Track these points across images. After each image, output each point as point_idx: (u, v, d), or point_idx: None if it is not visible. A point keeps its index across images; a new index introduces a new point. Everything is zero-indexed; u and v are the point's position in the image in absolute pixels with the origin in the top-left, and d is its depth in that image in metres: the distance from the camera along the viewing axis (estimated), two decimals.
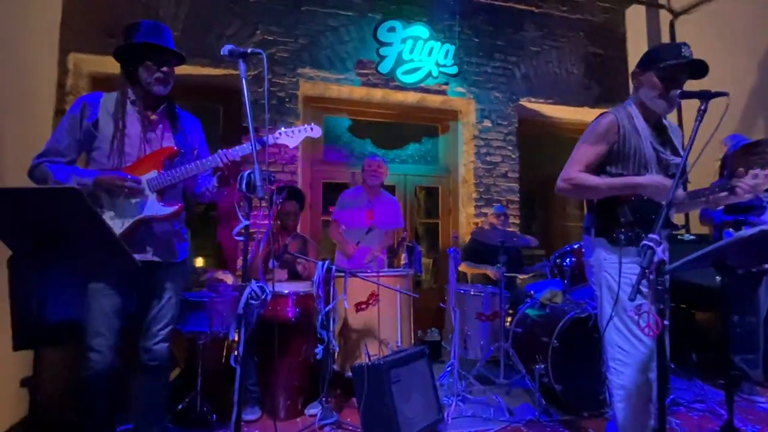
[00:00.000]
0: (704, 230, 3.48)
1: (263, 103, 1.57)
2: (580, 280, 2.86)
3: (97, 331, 1.65)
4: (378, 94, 4.27)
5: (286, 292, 2.53)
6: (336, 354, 2.68)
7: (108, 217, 1.67)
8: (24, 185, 1.65)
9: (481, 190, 4.39)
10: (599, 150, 1.71)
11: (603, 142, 1.70)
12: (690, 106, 2.19)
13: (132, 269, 1.62)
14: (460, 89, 4.37)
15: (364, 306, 2.75)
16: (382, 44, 4.03)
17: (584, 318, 2.60)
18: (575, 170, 1.71)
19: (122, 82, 1.78)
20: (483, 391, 2.83)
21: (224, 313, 2.42)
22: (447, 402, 2.62)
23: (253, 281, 1.45)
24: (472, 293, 3.21)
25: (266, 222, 3.28)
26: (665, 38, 4.49)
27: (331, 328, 2.44)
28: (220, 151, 1.75)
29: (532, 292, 3.30)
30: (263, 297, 1.45)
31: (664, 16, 4.53)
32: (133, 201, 1.71)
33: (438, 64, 4.17)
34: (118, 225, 1.68)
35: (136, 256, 1.66)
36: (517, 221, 4.44)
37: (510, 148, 4.50)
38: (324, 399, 2.43)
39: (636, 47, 4.79)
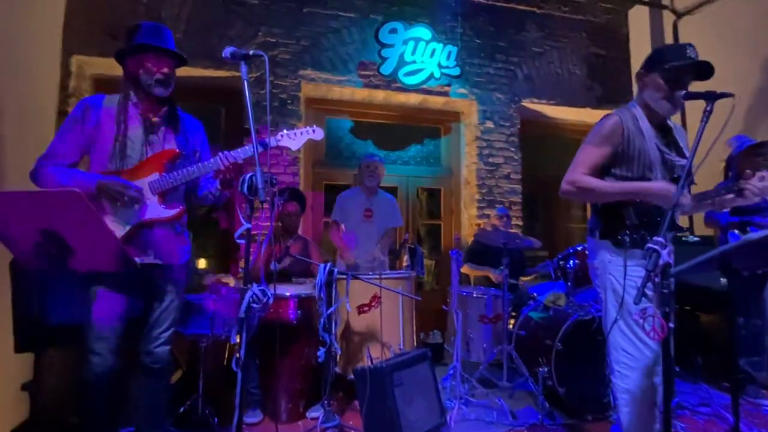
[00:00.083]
0: (708, 232, 3.46)
1: (265, 104, 1.56)
2: (584, 283, 2.84)
3: (98, 335, 1.65)
4: (380, 95, 4.27)
5: (288, 294, 2.52)
6: (338, 357, 2.67)
7: (109, 220, 1.67)
8: (26, 188, 1.65)
9: (483, 191, 4.38)
10: (604, 152, 1.69)
11: (607, 144, 1.69)
12: (693, 108, 2.18)
13: (133, 272, 1.62)
14: (462, 90, 4.36)
15: (366, 308, 2.74)
16: (383, 46, 4.02)
17: (588, 321, 2.58)
18: (580, 173, 1.70)
19: (124, 85, 1.78)
20: (486, 395, 2.81)
21: (226, 315, 2.42)
22: (450, 405, 2.60)
23: (254, 284, 1.44)
24: (474, 295, 3.19)
25: (268, 224, 3.28)
26: (668, 39, 4.47)
27: (333, 331, 2.43)
28: (221, 153, 1.75)
29: (535, 294, 3.28)
30: (265, 300, 1.44)
31: (668, 17, 4.51)
32: (135, 204, 1.71)
33: (440, 66, 4.16)
34: (119, 228, 1.68)
35: (138, 259, 1.66)
36: (520, 223, 4.43)
37: (512, 149, 4.49)
38: (326, 402, 2.41)
39: (639, 48, 4.77)
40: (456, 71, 4.22)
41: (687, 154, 1.71)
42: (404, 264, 3.38)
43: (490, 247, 3.32)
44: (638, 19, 4.82)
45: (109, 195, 1.66)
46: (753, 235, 1.24)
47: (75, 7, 3.40)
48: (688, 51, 1.61)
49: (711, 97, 1.39)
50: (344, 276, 2.54)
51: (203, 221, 4.04)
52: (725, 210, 2.86)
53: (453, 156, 4.69)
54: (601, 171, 1.73)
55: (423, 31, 4.12)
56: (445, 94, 4.31)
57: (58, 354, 2.16)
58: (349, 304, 2.55)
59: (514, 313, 3.25)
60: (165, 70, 1.75)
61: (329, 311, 2.37)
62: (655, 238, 1.23)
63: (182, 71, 1.88)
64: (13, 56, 2.44)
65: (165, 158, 1.77)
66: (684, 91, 1.59)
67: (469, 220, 4.47)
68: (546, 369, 2.54)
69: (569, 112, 4.81)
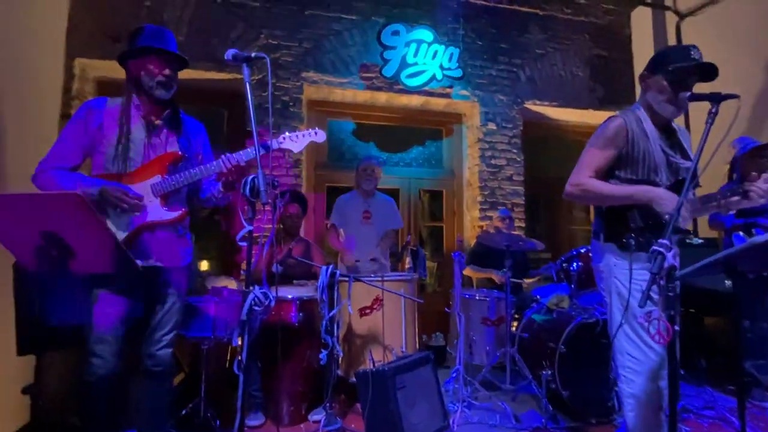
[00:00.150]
0: (713, 234, 3.44)
1: (267, 107, 1.55)
2: (587, 285, 2.83)
3: (100, 337, 1.64)
4: (382, 97, 4.26)
5: (290, 297, 2.51)
6: (340, 359, 2.67)
7: (111, 222, 1.67)
8: (28, 190, 1.65)
9: (485, 193, 4.37)
10: (608, 154, 1.68)
11: (612, 146, 1.68)
12: (696, 110, 2.16)
13: (135, 275, 1.62)
14: (465, 92, 4.35)
15: (368, 311, 2.73)
16: (386, 48, 4.03)
17: (592, 323, 2.57)
18: (585, 176, 1.69)
19: (126, 87, 1.78)
20: (489, 397, 2.80)
21: (228, 318, 2.41)
22: (452, 408, 2.58)
23: (256, 287, 1.43)
24: (477, 298, 3.18)
25: (269, 226, 3.28)
26: (671, 40, 4.46)
27: (335, 333, 2.42)
28: (223, 155, 1.75)
29: (538, 296, 3.26)
30: (266, 303, 1.43)
31: (670, 18, 4.50)
32: (135, 211, 1.71)
33: (442, 67, 4.16)
34: (121, 230, 1.68)
35: (140, 262, 1.65)
36: (523, 224, 4.41)
37: (515, 151, 4.48)
38: (328, 405, 2.41)
39: (642, 49, 4.76)
40: (458, 73, 4.21)
41: (691, 157, 1.70)
42: (406, 266, 3.37)
43: (492, 249, 3.30)
44: (641, 20, 4.81)
45: (111, 201, 1.65)
46: (758, 238, 1.23)
47: (78, 11, 3.42)
48: (692, 52, 1.60)
49: (716, 98, 1.38)
50: (346, 278, 2.53)
51: (205, 223, 4.05)
52: (730, 212, 2.84)
53: (455, 158, 4.68)
54: (606, 173, 1.72)
55: (425, 33, 4.12)
56: (447, 95, 4.30)
57: (60, 356, 2.15)
58: (351, 306, 2.55)
59: (517, 316, 3.23)
60: (167, 72, 1.75)
61: (331, 314, 2.36)
62: (660, 240, 1.22)
63: (184, 74, 1.88)
64: (16, 59, 2.45)
65: (167, 161, 1.77)
66: (689, 93, 1.58)
67: (471, 222, 4.46)
68: (549, 372, 2.53)
69: (572, 114, 4.80)
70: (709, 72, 1.61)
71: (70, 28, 3.37)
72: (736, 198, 1.58)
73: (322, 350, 2.32)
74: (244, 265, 1.63)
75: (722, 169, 3.00)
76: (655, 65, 1.68)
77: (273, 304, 1.47)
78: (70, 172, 1.71)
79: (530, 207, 4.65)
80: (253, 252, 1.49)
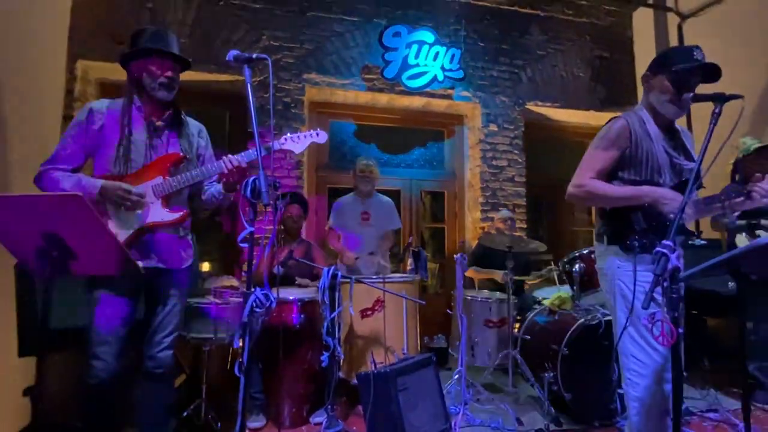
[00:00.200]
0: (716, 235, 3.42)
1: (269, 108, 1.55)
2: (590, 286, 2.81)
3: (101, 339, 1.64)
4: (383, 98, 4.26)
5: (291, 298, 2.51)
6: (341, 361, 2.66)
7: (112, 223, 1.67)
8: (31, 192, 1.65)
9: (487, 194, 4.36)
10: (611, 155, 1.67)
11: (615, 147, 1.67)
12: (699, 111, 2.15)
13: (136, 276, 1.62)
14: (466, 93, 4.35)
15: (369, 312, 2.72)
16: (387, 49, 4.03)
17: (594, 325, 2.55)
18: (588, 177, 1.68)
19: (128, 89, 1.78)
20: (491, 400, 2.78)
21: (229, 319, 2.41)
22: (454, 410, 2.58)
23: (257, 288, 1.43)
24: (479, 299, 3.17)
25: (270, 227, 3.28)
26: (673, 41, 4.45)
27: (337, 335, 2.42)
28: (225, 157, 1.75)
29: (540, 298, 3.25)
30: (268, 304, 1.43)
31: (672, 19, 4.49)
32: (137, 209, 1.70)
33: (443, 69, 4.16)
34: (122, 232, 1.68)
35: (141, 263, 1.65)
36: (524, 226, 4.40)
37: (516, 152, 4.47)
38: (329, 407, 2.40)
39: (643, 50, 4.75)
40: (459, 74, 4.21)
41: (694, 157, 1.69)
42: (408, 267, 3.36)
43: (494, 251, 3.30)
44: (642, 21, 4.80)
45: (112, 200, 1.65)
46: (762, 240, 1.22)
47: (80, 13, 3.42)
48: (695, 53, 1.59)
49: (720, 99, 1.37)
50: (348, 280, 2.52)
51: (206, 225, 4.05)
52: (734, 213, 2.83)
53: (456, 159, 4.68)
54: (609, 175, 1.71)
55: (426, 35, 4.12)
56: (448, 97, 4.30)
57: (61, 358, 2.15)
58: (352, 308, 2.54)
59: (519, 317, 3.22)
60: (168, 73, 1.75)
61: (332, 315, 2.35)
62: (663, 241, 1.21)
63: (186, 75, 1.88)
64: (18, 60, 2.45)
65: (169, 162, 1.77)
66: (692, 94, 1.57)
67: (473, 224, 4.45)
68: (552, 374, 2.51)
69: (573, 115, 4.79)
70: (712, 73, 1.60)
71: (72, 30, 3.37)
72: (740, 199, 1.57)
73: (324, 352, 2.31)
74: (245, 267, 1.62)
75: (725, 170, 2.98)
76: (658, 66, 1.68)
77: (274, 305, 1.46)
78: (72, 173, 1.71)
79: (532, 208, 4.65)
80: (255, 253, 1.48)
